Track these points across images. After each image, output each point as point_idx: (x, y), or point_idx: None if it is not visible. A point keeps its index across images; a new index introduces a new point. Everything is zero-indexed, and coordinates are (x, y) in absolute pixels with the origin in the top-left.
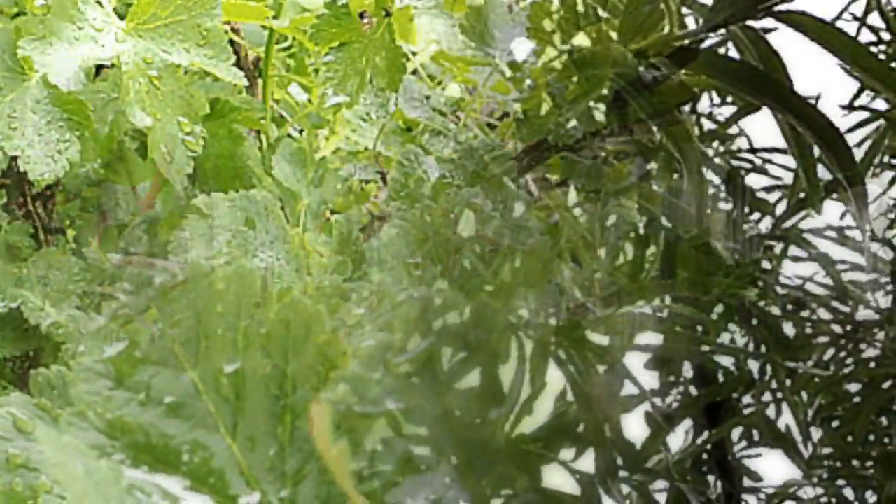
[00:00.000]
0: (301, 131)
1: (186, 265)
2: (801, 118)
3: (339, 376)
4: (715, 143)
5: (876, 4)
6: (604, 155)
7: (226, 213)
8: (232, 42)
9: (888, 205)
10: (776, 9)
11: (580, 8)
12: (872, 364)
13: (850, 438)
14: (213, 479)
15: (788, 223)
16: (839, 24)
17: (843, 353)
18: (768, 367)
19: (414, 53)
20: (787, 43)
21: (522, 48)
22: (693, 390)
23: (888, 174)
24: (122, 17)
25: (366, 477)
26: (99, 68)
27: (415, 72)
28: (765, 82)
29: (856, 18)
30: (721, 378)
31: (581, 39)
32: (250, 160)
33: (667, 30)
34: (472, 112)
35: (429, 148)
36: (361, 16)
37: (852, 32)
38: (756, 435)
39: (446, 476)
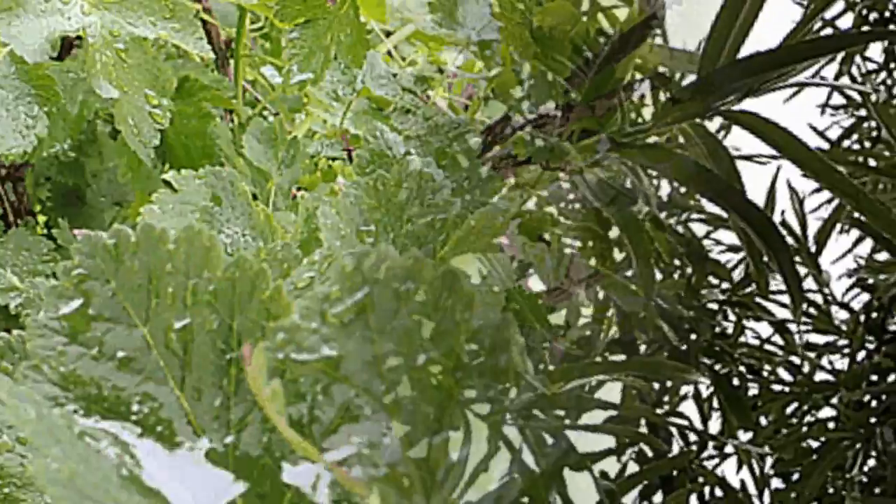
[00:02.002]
0: (276, 114)
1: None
2: (743, 218)
3: (278, 326)
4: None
5: (847, 70)
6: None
7: (195, 189)
8: (204, 22)
9: (848, 269)
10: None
11: None
12: (831, 424)
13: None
14: (161, 427)
15: (746, 289)
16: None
17: (803, 410)
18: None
19: (389, 33)
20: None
21: (491, 27)
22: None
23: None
24: None
25: (305, 423)
26: (69, 47)
27: (389, 53)
28: (710, 181)
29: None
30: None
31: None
32: (220, 139)
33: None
34: (442, 91)
35: (399, 127)
36: None
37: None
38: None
39: (382, 422)
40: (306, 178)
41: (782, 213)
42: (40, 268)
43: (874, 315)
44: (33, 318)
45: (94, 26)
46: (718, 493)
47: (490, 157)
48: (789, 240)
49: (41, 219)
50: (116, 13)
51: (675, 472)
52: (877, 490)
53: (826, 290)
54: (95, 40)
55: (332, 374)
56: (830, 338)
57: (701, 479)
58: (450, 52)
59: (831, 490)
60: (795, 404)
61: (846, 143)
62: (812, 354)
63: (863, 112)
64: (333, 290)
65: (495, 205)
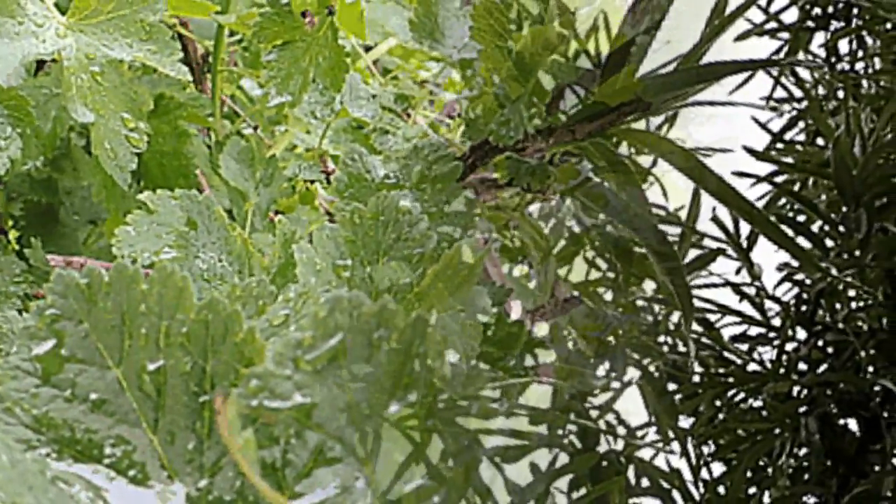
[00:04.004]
0: (256, 128)
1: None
2: (642, 238)
3: (251, 373)
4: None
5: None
6: (550, 155)
7: (171, 210)
8: (180, 36)
9: (779, 263)
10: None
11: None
12: (763, 413)
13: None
14: (134, 470)
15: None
16: None
17: (736, 401)
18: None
19: (369, 48)
20: None
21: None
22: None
23: None
24: (63, 12)
25: (278, 467)
26: (41, 63)
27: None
28: (615, 206)
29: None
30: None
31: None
32: (198, 158)
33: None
34: (424, 110)
35: (379, 147)
36: (304, 14)
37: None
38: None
39: (354, 466)
40: (284, 202)
41: (713, 208)
42: (12, 289)
43: (803, 308)
44: (5, 359)
45: (69, 49)
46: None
47: (471, 180)
48: (720, 234)
49: (13, 234)
50: (92, 35)
51: (604, 463)
52: (806, 477)
53: (758, 284)
54: (71, 63)
55: (305, 422)
56: (764, 329)
57: (633, 469)
58: (432, 65)
59: (763, 477)
60: (731, 393)
61: (789, 134)
62: (745, 346)
63: (805, 105)
64: (306, 336)
65: (471, 241)
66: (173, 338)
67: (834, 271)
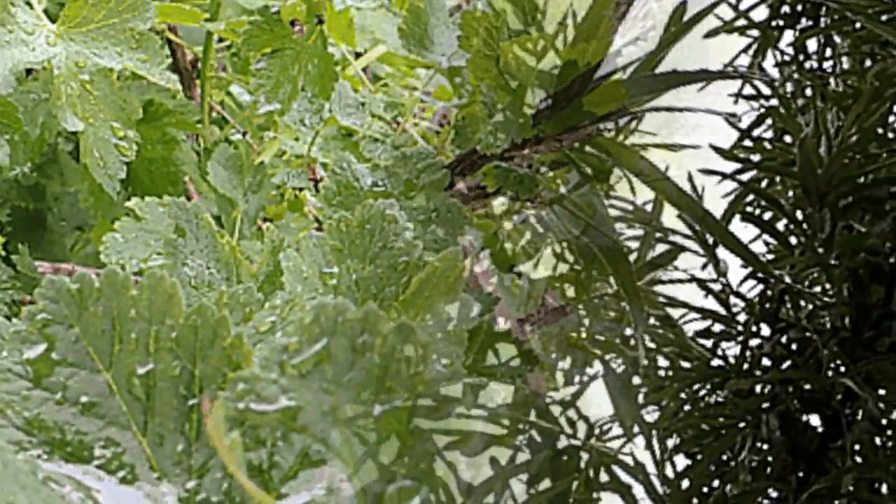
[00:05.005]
0: (244, 133)
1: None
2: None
3: (238, 377)
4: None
5: (759, 62)
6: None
7: (159, 217)
8: (169, 42)
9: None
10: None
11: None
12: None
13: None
14: (124, 472)
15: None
16: None
17: (700, 395)
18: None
19: (359, 54)
20: None
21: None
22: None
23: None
24: (53, 20)
25: (265, 468)
26: (29, 69)
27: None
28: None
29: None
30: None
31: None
32: (186, 165)
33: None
34: (415, 117)
35: (368, 154)
36: (293, 23)
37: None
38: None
39: (338, 469)
40: (272, 209)
41: None
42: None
43: (768, 305)
44: None
45: (59, 57)
46: (622, 475)
47: (459, 189)
48: (686, 230)
49: None
50: (82, 43)
51: (564, 458)
52: (767, 472)
53: (723, 280)
54: (61, 71)
55: (291, 425)
56: (728, 326)
57: (595, 463)
58: (422, 73)
59: (725, 471)
60: (695, 387)
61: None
62: (710, 342)
63: (774, 102)
64: (292, 341)
65: (455, 250)
66: (162, 342)
67: (787, 275)
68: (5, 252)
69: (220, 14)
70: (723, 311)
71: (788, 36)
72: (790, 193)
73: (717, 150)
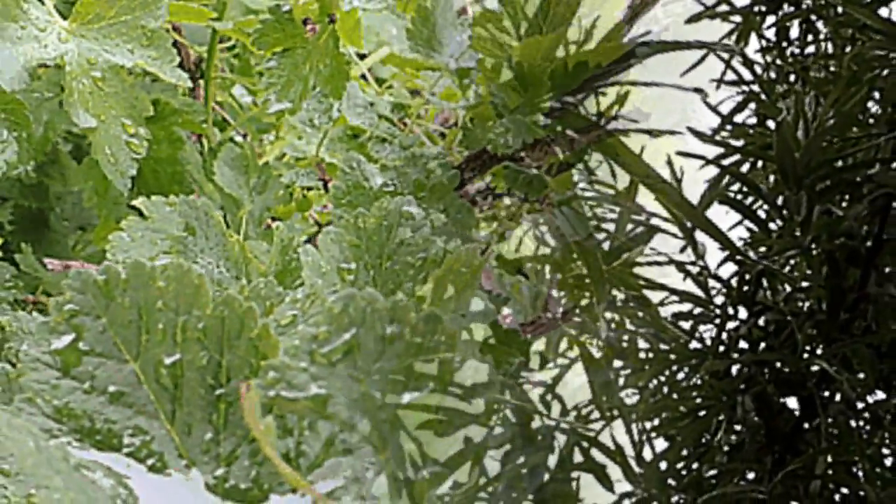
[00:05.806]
0: (245, 135)
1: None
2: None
3: (269, 365)
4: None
5: (742, 47)
6: (548, 165)
7: (166, 216)
8: (174, 42)
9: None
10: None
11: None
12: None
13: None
14: (153, 459)
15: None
16: None
17: (678, 377)
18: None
19: (364, 56)
20: None
21: (470, 55)
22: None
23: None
24: (65, 17)
25: (292, 457)
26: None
27: (364, 76)
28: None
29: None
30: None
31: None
32: (191, 165)
33: None
34: (418, 119)
35: (375, 155)
36: (305, 22)
37: None
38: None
39: (366, 457)
40: (281, 209)
41: None
42: (2, 294)
43: (745, 288)
44: (25, 351)
45: (71, 54)
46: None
47: (468, 189)
48: (665, 213)
49: (1, 240)
50: (93, 40)
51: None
52: (744, 453)
53: (701, 263)
54: (72, 68)
55: (321, 412)
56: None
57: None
58: (426, 75)
59: (701, 453)
60: (673, 369)
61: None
62: (687, 324)
63: (755, 87)
64: (321, 330)
65: (474, 241)
66: (190, 333)
67: (764, 258)
68: (8, 251)
69: (226, 14)
70: (701, 294)
71: (771, 22)
72: (771, 179)
73: (696, 132)
